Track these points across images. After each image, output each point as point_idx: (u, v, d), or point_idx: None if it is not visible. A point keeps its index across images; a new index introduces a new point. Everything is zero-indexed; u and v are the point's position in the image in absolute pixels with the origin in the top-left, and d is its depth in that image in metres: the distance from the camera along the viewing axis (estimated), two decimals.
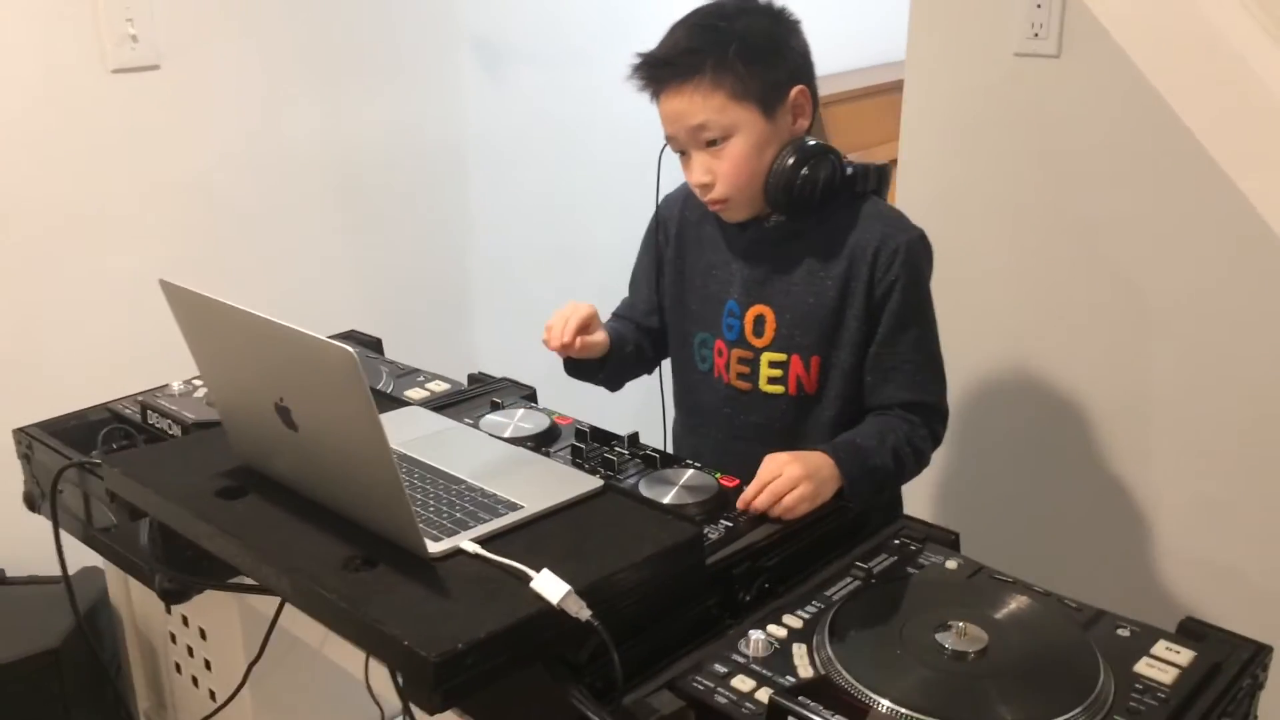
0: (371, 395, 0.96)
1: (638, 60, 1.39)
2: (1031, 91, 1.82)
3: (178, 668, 1.72)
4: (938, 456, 1.51)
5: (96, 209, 1.93)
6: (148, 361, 1.62)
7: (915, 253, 1.42)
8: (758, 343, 1.48)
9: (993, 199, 1.91)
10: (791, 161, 1.38)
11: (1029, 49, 1.79)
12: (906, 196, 2.01)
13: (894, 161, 2.08)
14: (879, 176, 1.46)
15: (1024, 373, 1.95)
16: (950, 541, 1.27)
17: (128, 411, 1.60)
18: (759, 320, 1.47)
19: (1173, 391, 1.78)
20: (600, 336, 1.49)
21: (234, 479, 1.19)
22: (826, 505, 1.29)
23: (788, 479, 1.25)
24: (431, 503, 1.14)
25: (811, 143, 1.40)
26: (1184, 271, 1.73)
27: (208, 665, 1.63)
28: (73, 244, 1.92)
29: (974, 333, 1.97)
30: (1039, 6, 1.75)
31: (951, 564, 1.20)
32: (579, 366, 1.54)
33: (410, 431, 1.32)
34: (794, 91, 1.39)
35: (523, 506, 1.13)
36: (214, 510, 1.13)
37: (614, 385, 1.63)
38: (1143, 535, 1.87)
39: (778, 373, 1.47)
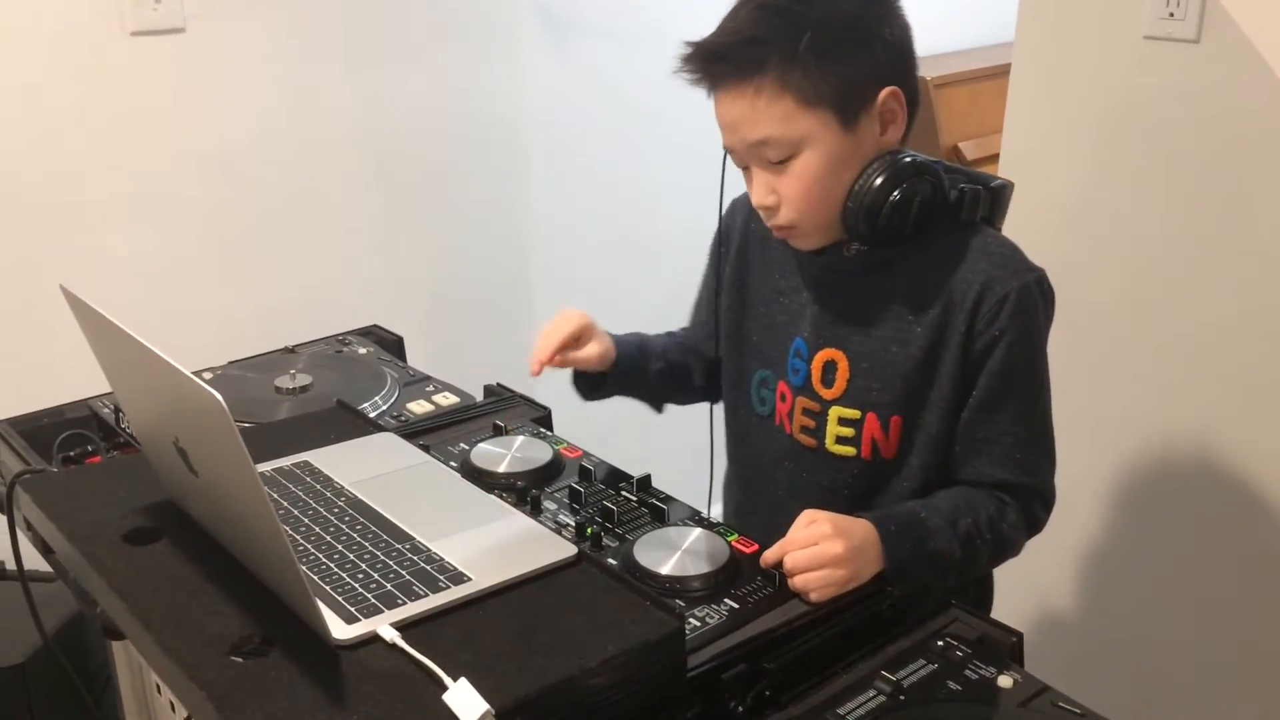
0: (246, 452, 0.76)
1: (687, 50, 1.12)
2: (1164, 82, 1.53)
3: (159, 689, 1.58)
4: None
5: (110, 182, 1.81)
6: (172, 347, 1.49)
7: (1029, 301, 1.14)
8: (826, 394, 1.21)
9: (1113, 208, 1.63)
10: (879, 182, 1.11)
11: (1162, 31, 1.51)
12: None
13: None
14: (992, 202, 1.17)
15: (1149, 430, 1.65)
16: (1010, 647, 1.02)
17: (105, 410, 1.46)
18: (829, 367, 1.21)
19: None
20: (592, 351, 1.28)
21: (151, 519, 1.03)
22: (862, 588, 1.06)
23: (819, 555, 1.03)
24: (364, 567, 0.95)
25: (906, 159, 1.12)
26: None
27: None
28: (82, 219, 1.80)
29: (1084, 376, 1.69)
30: None
31: (1005, 681, 0.96)
32: (584, 382, 1.35)
33: (372, 466, 1.14)
34: (883, 94, 1.11)
35: (470, 579, 0.94)
36: (113, 558, 0.97)
37: (655, 404, 1.42)
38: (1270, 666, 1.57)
39: (848, 431, 1.21)
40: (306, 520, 1.02)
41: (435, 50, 2.10)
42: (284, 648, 0.85)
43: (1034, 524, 1.19)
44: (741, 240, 1.30)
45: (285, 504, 1.05)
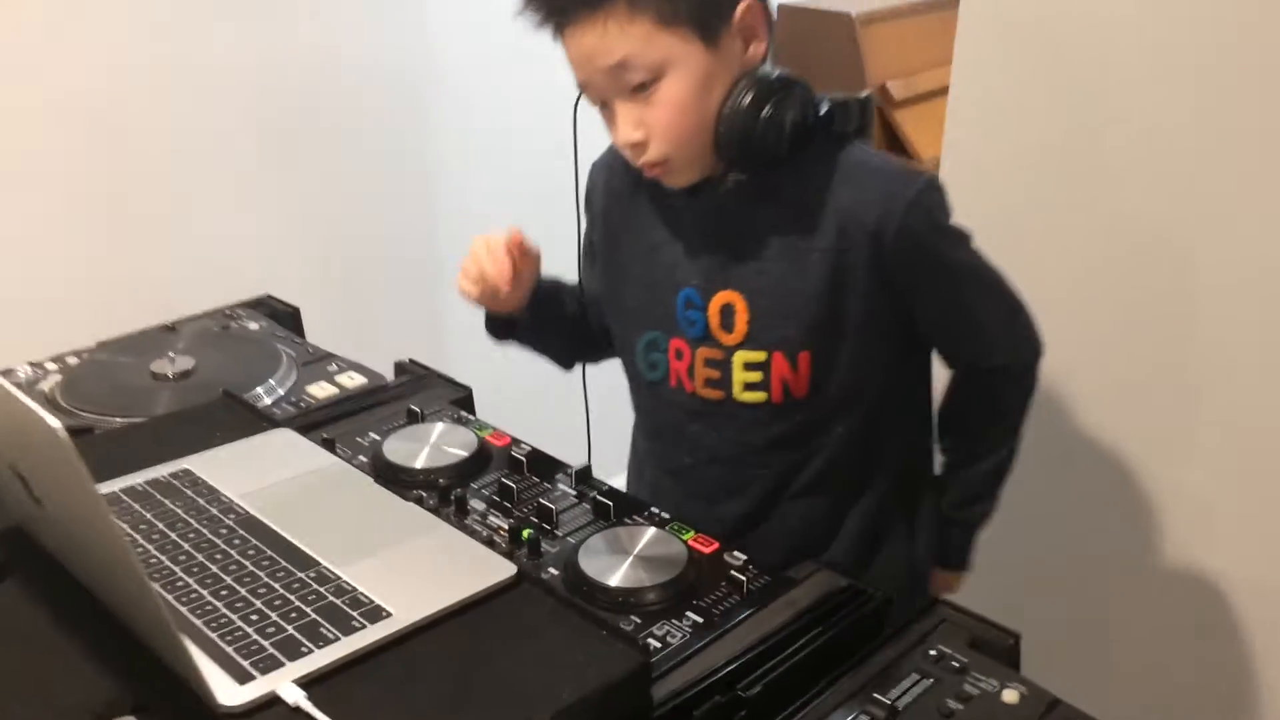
0: (98, 493, 0.60)
1: None
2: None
3: None
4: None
5: None
6: (32, 327, 1.31)
7: (929, 206, 1.12)
8: (728, 339, 1.16)
9: (1079, 148, 1.51)
10: (748, 100, 1.07)
11: None
12: (957, 145, 1.61)
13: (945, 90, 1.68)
14: (862, 112, 1.14)
15: (1119, 398, 1.55)
16: (1007, 650, 0.91)
17: None
18: (727, 310, 1.15)
19: None
20: (534, 251, 1.21)
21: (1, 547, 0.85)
22: (841, 595, 0.94)
23: None
24: (258, 605, 0.79)
25: (774, 74, 1.10)
26: None
27: None
28: None
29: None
30: None
31: (1010, 695, 0.85)
32: (497, 322, 1.28)
33: (266, 473, 0.97)
34: (740, 8, 1.08)
35: (389, 614, 0.78)
36: None
37: (566, 356, 1.36)
38: None
39: (756, 376, 1.16)
40: (187, 546, 0.86)
41: None
42: (160, 718, 0.69)
43: (1032, 384, 1.24)
44: (606, 202, 1.26)
45: (161, 526, 0.88)
